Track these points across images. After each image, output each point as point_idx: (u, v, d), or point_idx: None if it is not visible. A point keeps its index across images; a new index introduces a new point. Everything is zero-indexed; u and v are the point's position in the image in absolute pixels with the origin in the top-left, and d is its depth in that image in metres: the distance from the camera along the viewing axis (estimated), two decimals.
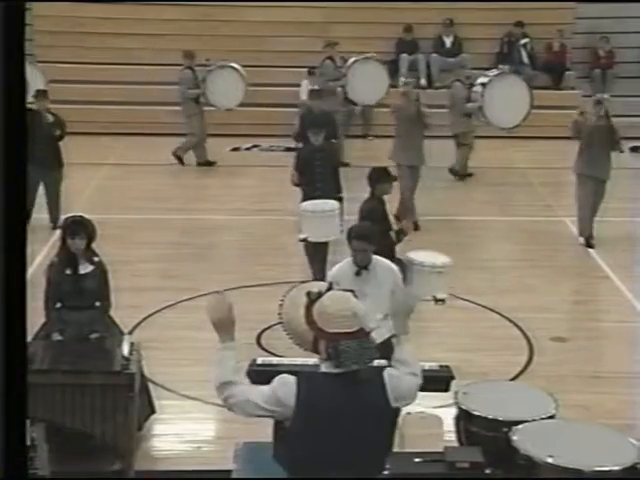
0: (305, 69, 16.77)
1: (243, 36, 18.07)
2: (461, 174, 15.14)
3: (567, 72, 18.76)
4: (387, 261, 7.25)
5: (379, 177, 9.04)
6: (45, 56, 16.28)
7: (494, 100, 13.99)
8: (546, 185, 14.85)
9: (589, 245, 12.13)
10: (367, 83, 15.35)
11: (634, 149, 16.99)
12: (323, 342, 4.12)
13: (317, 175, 10.37)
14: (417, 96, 13.01)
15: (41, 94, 12.29)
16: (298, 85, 16.69)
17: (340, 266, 7.20)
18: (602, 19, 19.12)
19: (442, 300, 8.49)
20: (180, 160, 15.66)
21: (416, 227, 11.39)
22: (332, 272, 7.21)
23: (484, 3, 18.13)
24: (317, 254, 9.82)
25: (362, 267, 7.09)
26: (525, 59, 18.73)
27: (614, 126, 12.36)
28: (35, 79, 14.49)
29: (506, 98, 13.50)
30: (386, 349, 6.80)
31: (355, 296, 4.26)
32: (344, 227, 9.64)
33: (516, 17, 18.66)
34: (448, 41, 18.69)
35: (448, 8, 18.37)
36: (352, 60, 15.73)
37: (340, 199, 10.24)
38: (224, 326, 4.34)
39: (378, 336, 6.94)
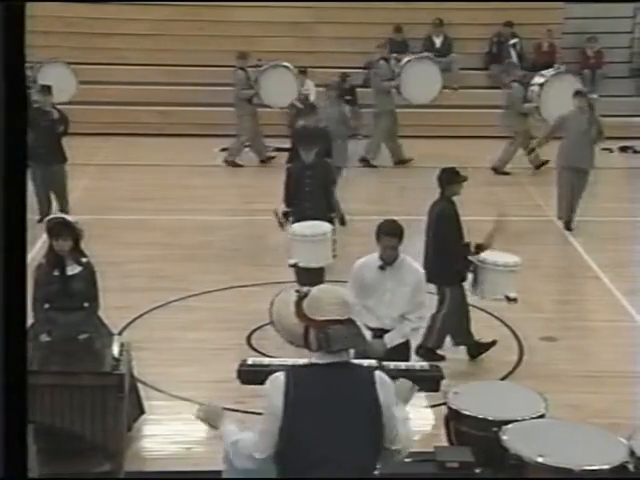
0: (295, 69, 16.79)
1: (232, 36, 18.05)
2: (500, 171, 15.53)
3: None
4: (415, 263, 7.20)
5: (449, 178, 8.79)
6: (34, 56, 16.17)
7: (551, 99, 14.05)
8: (535, 185, 14.87)
9: (568, 228, 12.67)
10: (421, 82, 15.41)
11: (623, 149, 17.04)
12: (313, 331, 4.17)
13: (307, 194, 9.81)
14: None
15: (45, 90, 12.36)
16: None
17: (367, 258, 7.22)
18: (591, 19, 19.17)
19: (514, 299, 8.52)
20: (235, 164, 15.72)
21: (342, 222, 11.39)
22: (358, 263, 7.23)
23: (473, 3, 18.17)
24: (309, 281, 9.53)
25: (387, 263, 7.10)
26: (514, 59, 18.75)
27: (598, 119, 12.62)
28: (67, 79, 14.54)
29: (563, 97, 13.52)
30: (396, 354, 6.85)
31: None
32: (337, 252, 9.55)
33: (505, 17, 18.71)
34: (438, 41, 18.71)
35: (438, 8, 18.39)
36: (406, 60, 15.78)
37: (332, 220, 9.78)
38: (217, 420, 4.45)
39: (389, 340, 6.98)
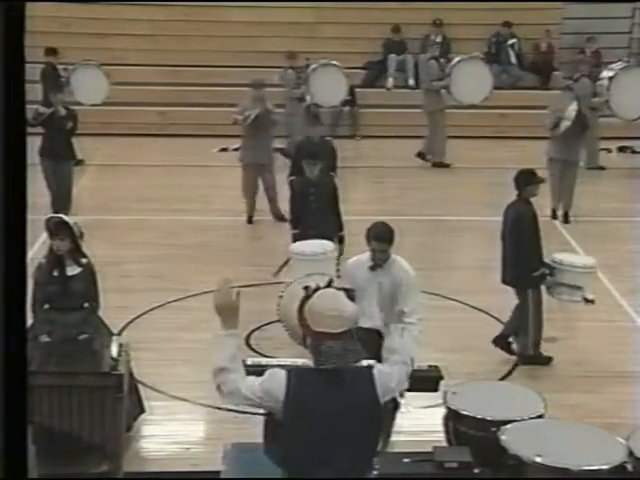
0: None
1: (231, 36, 18.06)
2: (594, 166, 15.50)
3: (555, 72, 18.81)
4: (405, 262, 7.16)
5: (527, 179, 8.79)
6: (30, 57, 16.21)
7: (620, 93, 14.04)
8: None
9: (566, 221, 12.88)
10: (471, 82, 15.38)
11: (622, 149, 17.04)
12: (309, 339, 4.17)
13: (312, 212, 9.41)
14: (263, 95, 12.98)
15: (55, 89, 12.52)
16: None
17: (358, 257, 7.23)
18: (589, 19, 19.17)
19: (592, 301, 8.51)
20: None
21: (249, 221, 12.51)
22: (349, 263, 7.25)
23: (472, 3, 18.16)
24: None
25: (378, 265, 7.10)
26: (513, 59, 18.76)
27: (585, 113, 12.78)
28: (100, 81, 14.60)
29: (632, 90, 13.51)
30: (367, 349, 6.85)
31: (352, 297, 4.26)
32: (341, 271, 9.45)
33: (504, 17, 18.70)
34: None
35: (437, 8, 18.39)
36: (457, 59, 15.76)
37: (341, 239, 9.34)
38: (228, 312, 4.35)
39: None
